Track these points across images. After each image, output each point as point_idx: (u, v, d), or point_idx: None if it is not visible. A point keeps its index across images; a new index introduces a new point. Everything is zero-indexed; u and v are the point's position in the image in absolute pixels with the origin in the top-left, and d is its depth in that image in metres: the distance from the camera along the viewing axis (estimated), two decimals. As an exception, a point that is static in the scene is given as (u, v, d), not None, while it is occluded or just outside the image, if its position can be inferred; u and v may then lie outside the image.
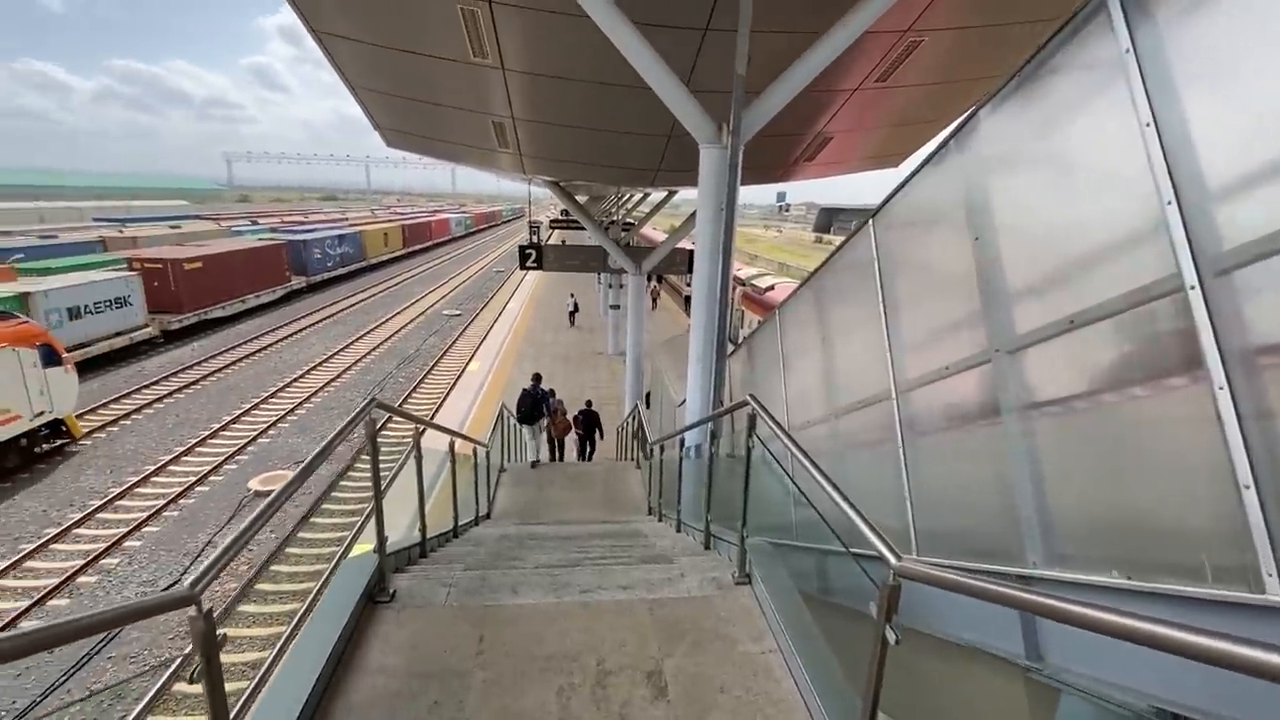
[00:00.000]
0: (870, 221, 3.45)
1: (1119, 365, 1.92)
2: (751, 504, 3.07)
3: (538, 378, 10.90)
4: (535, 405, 10.28)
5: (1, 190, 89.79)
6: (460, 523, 4.92)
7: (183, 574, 9.92)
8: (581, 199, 21.64)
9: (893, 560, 1.59)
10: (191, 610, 1.40)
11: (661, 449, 5.82)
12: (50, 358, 13.70)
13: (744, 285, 22.67)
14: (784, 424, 2.66)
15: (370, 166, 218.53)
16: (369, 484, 4.02)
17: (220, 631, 1.47)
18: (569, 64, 6.86)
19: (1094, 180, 2.02)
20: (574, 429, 11.84)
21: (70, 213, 58.36)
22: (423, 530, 3.70)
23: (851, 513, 1.85)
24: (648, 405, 13.50)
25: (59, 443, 13.93)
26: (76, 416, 14.61)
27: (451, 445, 4.43)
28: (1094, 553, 2.00)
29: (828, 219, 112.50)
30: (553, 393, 11.50)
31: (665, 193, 23.93)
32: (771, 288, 20.53)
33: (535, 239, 17.46)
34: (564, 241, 25.30)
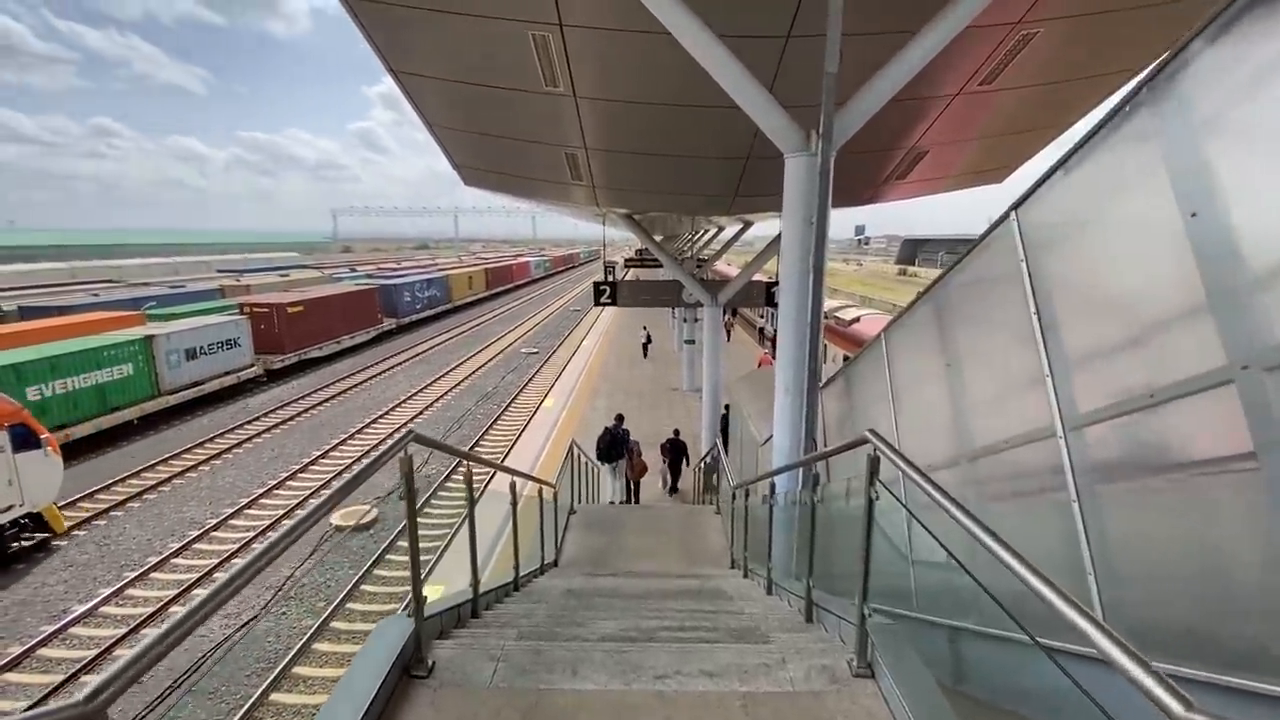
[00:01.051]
0: (1013, 215, 2.78)
1: None
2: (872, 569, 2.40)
3: (620, 418, 11.22)
4: (615, 444, 10.35)
5: (149, 249, 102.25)
6: (523, 573, 4.45)
7: (264, 607, 10.01)
8: (656, 238, 21.54)
9: (1179, 711, 0.94)
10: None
11: (747, 494, 5.16)
12: (24, 440, 11.41)
13: (827, 317, 21.61)
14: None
15: (458, 216, 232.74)
16: (448, 530, 3.63)
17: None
18: (641, 86, 6.60)
19: None
20: (662, 456, 12.23)
21: (199, 266, 65.30)
22: (474, 586, 3.24)
23: (1074, 614, 1.20)
24: (724, 442, 12.95)
25: (39, 538, 11.62)
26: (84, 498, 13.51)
27: (512, 487, 4.00)
28: None
29: (912, 250, 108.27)
30: (620, 418, 11.33)
31: (739, 226, 23.51)
32: (857, 319, 19.40)
33: (610, 277, 17.43)
34: (638, 279, 25.25)
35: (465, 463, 3.57)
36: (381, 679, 2.21)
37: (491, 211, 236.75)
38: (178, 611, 1.15)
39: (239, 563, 1.49)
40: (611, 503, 10.46)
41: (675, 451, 12.27)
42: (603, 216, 14.82)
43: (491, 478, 11.21)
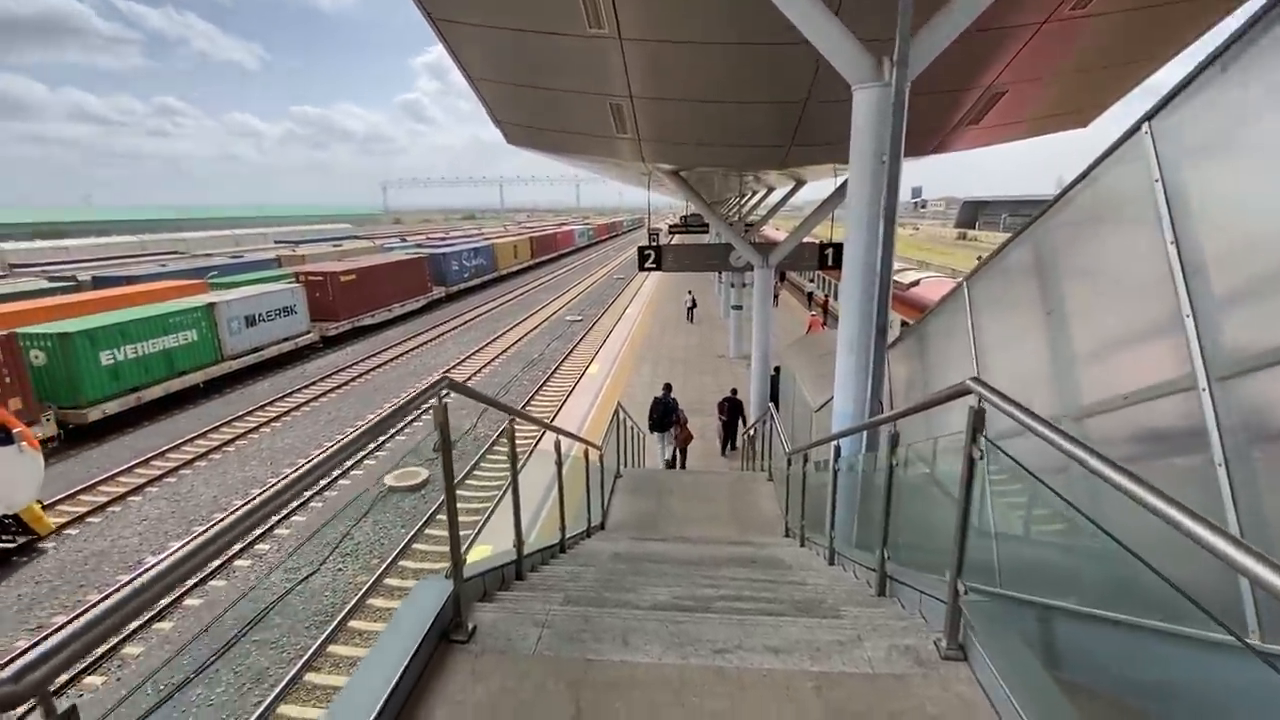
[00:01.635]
0: (1146, 127, 2.31)
1: None
2: (946, 537, 2.09)
3: (668, 387, 11.46)
4: (667, 413, 10.61)
5: (213, 223, 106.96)
6: (569, 535, 4.29)
7: (322, 562, 10.35)
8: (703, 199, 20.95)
9: None
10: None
11: (805, 459, 4.83)
12: None
13: (881, 282, 20.65)
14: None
15: (504, 186, 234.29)
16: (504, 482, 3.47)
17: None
18: (691, 23, 6.12)
19: None
20: (719, 414, 12.71)
21: (258, 237, 67.74)
22: (518, 546, 3.07)
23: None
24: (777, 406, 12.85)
25: (23, 540, 10.53)
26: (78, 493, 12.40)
27: (557, 446, 3.81)
28: None
29: (972, 212, 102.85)
30: (668, 388, 11.70)
31: (789, 188, 22.56)
32: (916, 283, 18.44)
33: (654, 241, 17.01)
34: (684, 243, 24.66)
35: (509, 418, 3.39)
36: (418, 643, 2.04)
37: (535, 181, 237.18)
38: (141, 577, 0.93)
39: (217, 525, 1.29)
40: (668, 463, 10.71)
41: (733, 411, 12.59)
42: (648, 175, 14.34)
43: (540, 439, 11.28)
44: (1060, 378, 2.95)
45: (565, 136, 9.28)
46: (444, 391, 2.30)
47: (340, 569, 10.26)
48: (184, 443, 15.43)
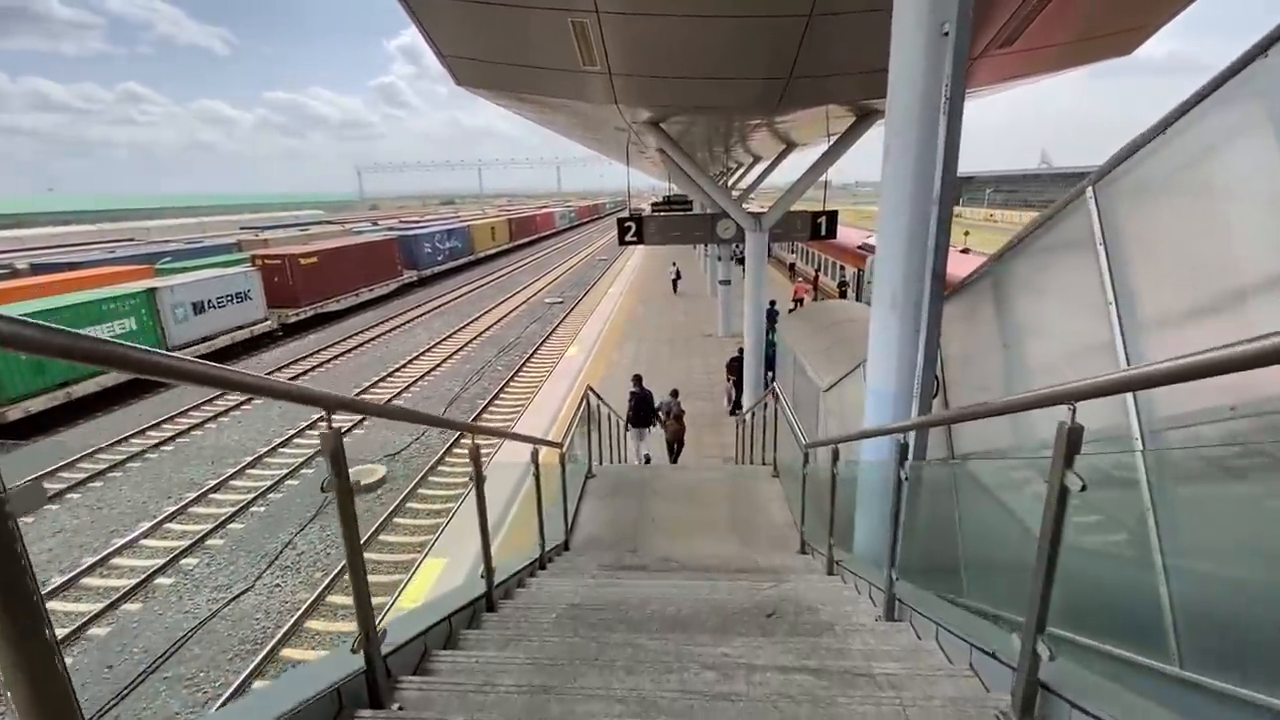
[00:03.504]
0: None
1: None
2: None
3: (638, 379, 10.08)
4: (646, 406, 9.50)
5: (182, 211, 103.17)
6: (511, 573, 3.00)
7: (257, 579, 9.00)
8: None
9: None
10: None
11: (836, 456, 3.55)
12: None
13: (870, 251, 19.40)
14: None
15: (482, 170, 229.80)
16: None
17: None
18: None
19: None
20: (728, 375, 13.38)
21: (226, 224, 64.91)
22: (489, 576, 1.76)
23: None
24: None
25: None
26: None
27: (475, 454, 2.49)
28: None
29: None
30: (675, 394, 10.28)
31: (775, 155, 21.14)
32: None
33: (633, 212, 15.63)
34: (668, 215, 23.20)
35: (470, 436, 2.15)
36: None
37: (515, 164, 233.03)
38: None
39: None
40: (646, 459, 9.44)
41: (741, 371, 12.52)
42: (626, 135, 12.89)
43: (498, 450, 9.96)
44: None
45: (523, 73, 7.82)
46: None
47: (278, 585, 8.92)
48: (118, 441, 13.88)
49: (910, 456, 2.51)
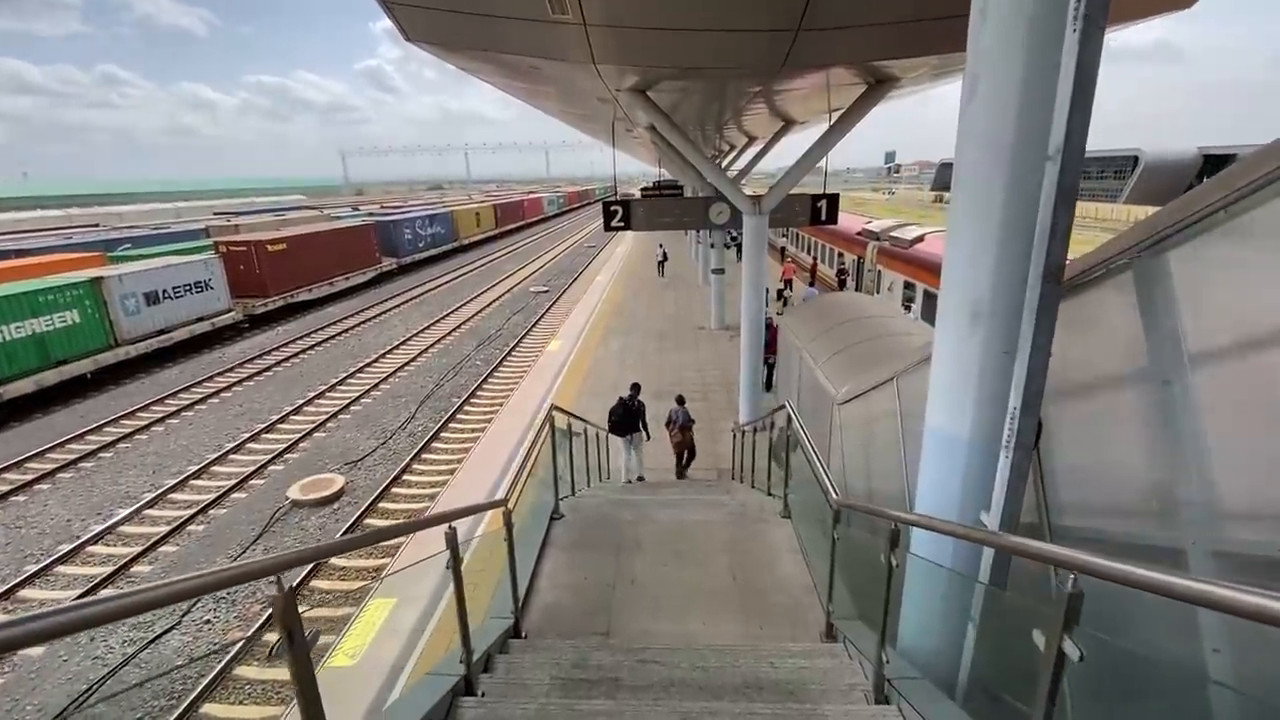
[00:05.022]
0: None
1: None
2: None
3: (636, 387, 9.16)
4: (630, 416, 8.67)
5: (160, 197, 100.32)
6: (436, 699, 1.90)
7: (184, 614, 7.85)
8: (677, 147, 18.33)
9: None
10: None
11: (896, 538, 2.43)
12: None
13: (878, 239, 18.31)
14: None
15: (470, 156, 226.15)
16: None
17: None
18: None
19: None
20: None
21: (202, 210, 62.73)
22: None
23: None
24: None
25: None
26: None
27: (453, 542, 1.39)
28: None
29: (948, 174, 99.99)
30: (681, 400, 9.38)
31: (770, 136, 19.91)
32: (921, 239, 16.11)
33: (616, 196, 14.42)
34: (659, 196, 21.92)
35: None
36: None
37: (503, 149, 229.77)
38: None
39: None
40: (628, 481, 8.51)
41: (774, 341, 11.77)
42: (613, 108, 11.65)
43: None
44: None
45: (482, 25, 6.59)
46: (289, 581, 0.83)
47: (209, 621, 7.77)
48: (51, 448, 12.59)
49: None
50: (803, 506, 4.39)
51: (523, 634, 3.33)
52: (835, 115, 10.55)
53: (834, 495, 2.99)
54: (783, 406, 4.50)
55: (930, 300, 13.92)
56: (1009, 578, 2.58)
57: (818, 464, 3.33)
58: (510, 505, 2.98)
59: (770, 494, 5.32)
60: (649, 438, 9.14)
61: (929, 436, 2.79)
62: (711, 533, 4.43)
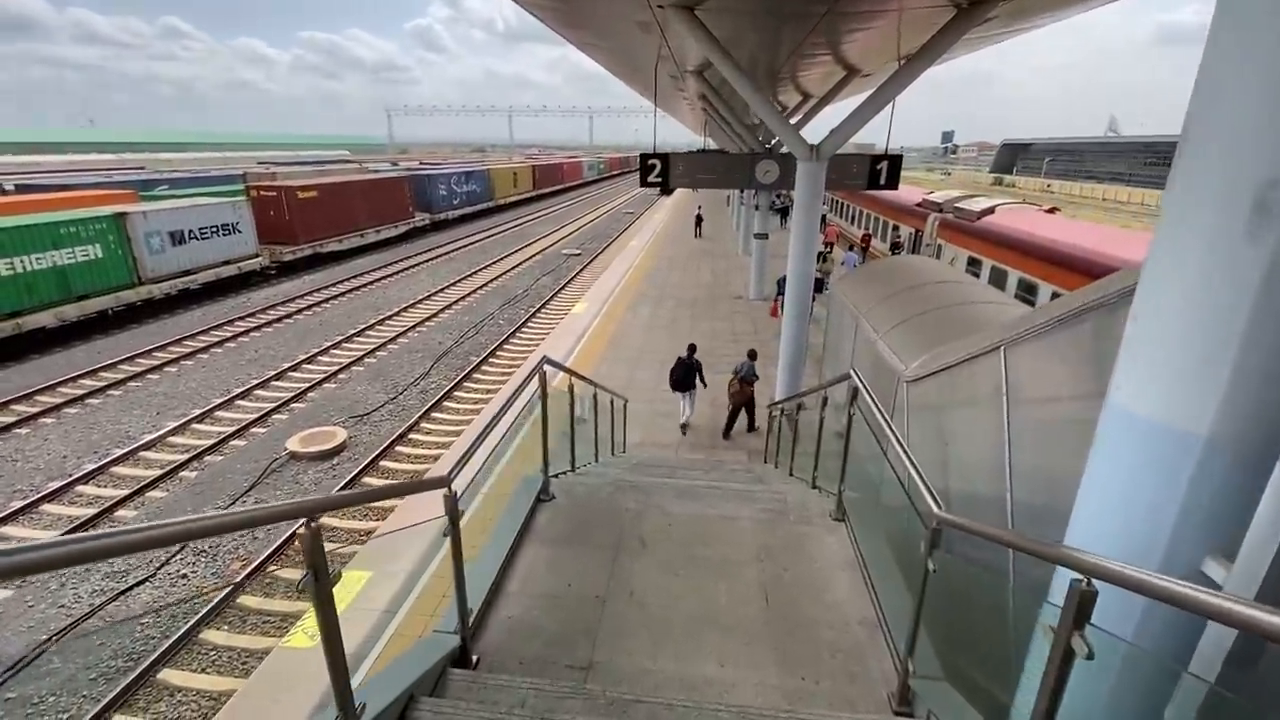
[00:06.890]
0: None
1: None
2: None
3: (692, 348, 9.55)
4: (689, 372, 9.29)
5: (214, 148, 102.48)
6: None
7: (160, 566, 7.29)
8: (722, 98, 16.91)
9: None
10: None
11: (1087, 618, 1.41)
12: None
13: (940, 210, 16.66)
14: None
15: (513, 118, 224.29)
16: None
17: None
18: None
19: None
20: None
21: (248, 160, 63.31)
22: None
23: None
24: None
25: None
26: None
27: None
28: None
29: (1010, 156, 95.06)
30: (753, 354, 9.60)
31: (828, 90, 18.22)
32: (991, 210, 14.47)
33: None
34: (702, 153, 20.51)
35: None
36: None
37: (547, 113, 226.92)
38: None
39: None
40: (683, 427, 9.40)
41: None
42: (657, 37, 10.40)
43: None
44: None
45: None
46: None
47: (186, 575, 7.20)
48: (61, 383, 12.32)
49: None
50: (866, 510, 3.34)
51: (472, 660, 2.42)
52: (903, 61, 9.16)
53: (934, 507, 1.97)
54: (848, 376, 3.42)
55: (998, 277, 12.42)
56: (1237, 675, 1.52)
57: (909, 462, 2.27)
58: (448, 490, 2.03)
59: (816, 487, 4.28)
60: (705, 385, 9.53)
61: (1113, 429, 1.71)
62: (739, 534, 3.41)
